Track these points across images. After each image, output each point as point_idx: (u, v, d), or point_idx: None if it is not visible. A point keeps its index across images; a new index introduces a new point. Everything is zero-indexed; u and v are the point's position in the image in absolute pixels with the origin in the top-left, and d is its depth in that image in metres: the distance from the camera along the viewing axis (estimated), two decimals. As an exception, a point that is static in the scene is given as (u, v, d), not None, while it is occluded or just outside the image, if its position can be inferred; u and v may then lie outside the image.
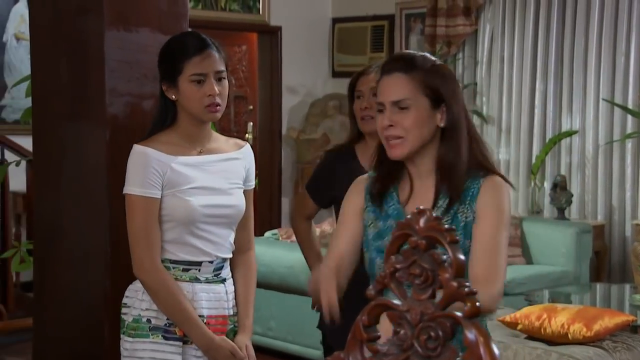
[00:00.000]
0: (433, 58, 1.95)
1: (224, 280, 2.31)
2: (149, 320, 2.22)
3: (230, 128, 6.71)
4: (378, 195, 1.97)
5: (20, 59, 6.10)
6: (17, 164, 4.28)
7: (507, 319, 3.39)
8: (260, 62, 6.77)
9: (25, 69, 5.78)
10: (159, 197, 2.21)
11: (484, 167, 1.93)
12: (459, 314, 1.19)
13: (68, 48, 2.71)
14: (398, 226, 1.32)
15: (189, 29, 2.60)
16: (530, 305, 3.63)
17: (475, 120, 6.02)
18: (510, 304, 3.71)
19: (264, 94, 6.81)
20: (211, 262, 2.27)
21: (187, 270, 2.26)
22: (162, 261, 2.24)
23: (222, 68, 2.27)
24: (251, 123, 6.81)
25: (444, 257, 1.24)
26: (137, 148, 2.22)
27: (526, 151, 5.88)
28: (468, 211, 1.89)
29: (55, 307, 2.73)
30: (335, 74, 6.82)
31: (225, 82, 2.29)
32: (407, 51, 2.03)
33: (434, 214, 1.66)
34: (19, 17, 6.08)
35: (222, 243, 2.29)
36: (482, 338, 1.13)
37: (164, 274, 2.21)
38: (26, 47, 5.98)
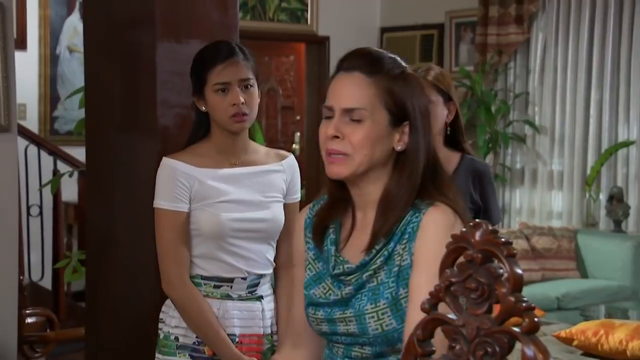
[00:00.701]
0: (405, 64, 1.60)
1: (260, 298, 2.22)
2: (176, 338, 2.19)
3: (278, 138, 6.73)
4: (317, 231, 1.61)
5: (72, 71, 6.21)
6: (71, 174, 4.35)
7: (563, 334, 3.31)
8: (308, 72, 6.78)
9: (78, 81, 5.89)
10: (187, 210, 2.15)
11: (432, 197, 1.54)
12: (516, 329, 1.17)
13: (121, 60, 2.74)
14: (453, 239, 1.29)
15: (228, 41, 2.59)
16: (586, 320, 3.56)
17: (527, 130, 5.93)
18: (565, 319, 3.64)
19: (312, 104, 6.82)
20: (244, 278, 2.19)
21: (219, 286, 2.18)
22: (193, 277, 2.18)
23: (248, 76, 2.19)
24: (298, 133, 6.82)
25: (501, 271, 1.21)
26: (165, 161, 2.18)
27: (580, 162, 5.77)
28: (405, 252, 1.51)
29: (107, 317, 2.75)
30: (384, 84, 6.80)
31: (253, 90, 2.20)
32: (376, 49, 1.61)
33: (366, 257, 1.54)
34: (72, 30, 6.20)
35: (257, 259, 2.20)
36: (542, 355, 1.10)
37: (192, 290, 2.16)
38: (78, 59, 6.09)
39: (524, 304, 1.16)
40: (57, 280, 4.99)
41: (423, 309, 1.31)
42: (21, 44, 5.68)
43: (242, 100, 2.14)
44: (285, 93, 6.90)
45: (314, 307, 1.60)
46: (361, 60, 1.55)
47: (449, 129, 2.54)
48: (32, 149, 5.15)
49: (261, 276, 2.22)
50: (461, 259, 1.27)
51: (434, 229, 1.49)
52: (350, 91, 1.53)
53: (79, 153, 4.73)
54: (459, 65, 6.18)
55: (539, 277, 5.04)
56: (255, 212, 2.18)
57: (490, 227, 1.25)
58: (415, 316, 1.44)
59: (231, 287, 2.18)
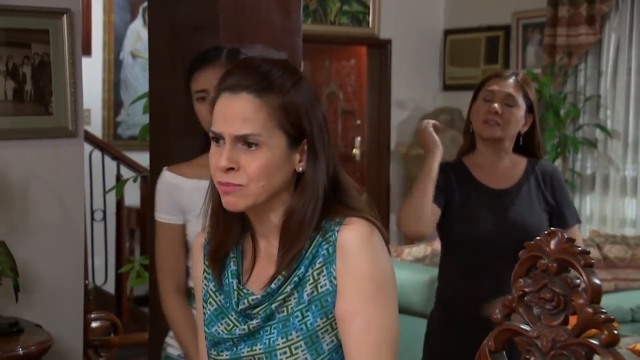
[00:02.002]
0: (292, 67, 1.42)
1: None
2: (164, 349, 2.20)
3: (338, 143, 6.71)
4: (214, 261, 1.44)
5: (135, 76, 6.31)
6: (135, 179, 4.40)
7: (638, 347, 3.21)
8: (369, 75, 6.75)
9: (140, 86, 5.99)
10: (178, 222, 2.13)
11: (339, 212, 1.39)
12: (594, 341, 1.12)
13: (184, 65, 2.75)
14: (527, 248, 1.24)
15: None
16: (663, 332, 3.43)
17: (599, 134, 5.77)
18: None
19: (373, 109, 6.78)
20: None
21: None
22: (192, 289, 2.09)
23: None
24: (359, 138, 6.79)
25: (577, 281, 1.16)
26: (162, 173, 2.18)
27: (656, 168, 5.58)
28: (320, 277, 1.36)
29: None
30: (446, 87, 6.71)
31: None
32: (261, 59, 1.42)
33: (273, 285, 1.37)
34: (136, 35, 6.30)
35: None
36: (622, 370, 1.05)
37: (176, 304, 2.12)
38: (141, 64, 6.18)
39: (602, 316, 1.12)
40: (120, 284, 5.06)
41: (495, 320, 1.27)
42: (86, 50, 5.79)
43: None
44: (346, 97, 6.88)
45: (216, 347, 1.42)
46: (248, 78, 1.35)
47: (521, 139, 2.47)
48: (96, 154, 5.24)
49: None
50: (535, 269, 1.23)
51: (354, 246, 1.35)
52: (239, 116, 1.33)
53: (141, 158, 4.80)
54: (525, 68, 6.05)
55: (611, 288, 4.89)
56: None
57: (565, 236, 1.21)
58: (353, 351, 1.34)
59: None
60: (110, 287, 5.33)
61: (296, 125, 1.36)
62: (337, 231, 1.36)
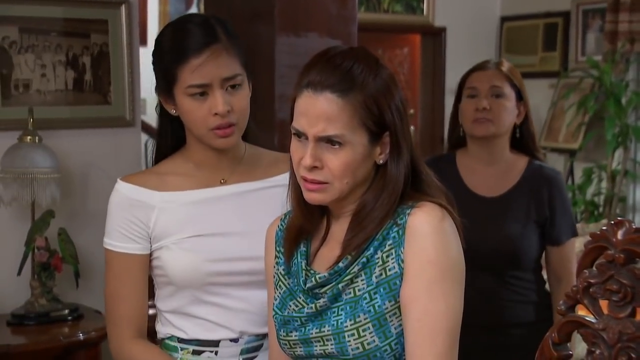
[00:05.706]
0: (372, 57, 1.37)
1: None
2: None
3: (392, 133, 6.68)
4: (290, 246, 1.45)
5: (191, 67, 6.37)
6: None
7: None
8: (423, 64, 6.70)
9: (197, 77, 6.03)
10: (142, 252, 1.61)
11: (413, 198, 1.38)
12: (663, 336, 1.09)
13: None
14: (592, 238, 1.22)
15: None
16: None
17: (661, 126, 5.63)
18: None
19: (426, 98, 6.74)
20: (235, 340, 1.61)
21: (199, 352, 1.61)
22: (169, 339, 1.66)
23: (236, 71, 1.57)
24: (412, 128, 6.75)
25: (646, 272, 1.14)
26: (117, 185, 1.65)
27: None
28: (389, 260, 1.34)
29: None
30: (502, 76, 6.63)
31: (242, 91, 1.59)
32: (337, 52, 1.36)
33: (341, 264, 1.36)
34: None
35: (255, 311, 1.61)
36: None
37: (140, 347, 1.63)
38: (197, 54, 6.24)
39: (673, 309, 1.09)
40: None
41: (559, 312, 1.25)
42: (142, 40, 5.85)
43: (228, 107, 1.55)
44: (399, 86, 6.84)
45: (285, 328, 1.42)
46: (330, 77, 1.32)
47: (517, 131, 2.32)
48: (152, 143, 5.30)
49: (263, 337, 1.63)
50: (601, 259, 1.21)
51: (423, 229, 1.32)
52: (323, 117, 1.32)
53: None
54: (585, 55, 5.93)
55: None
56: (246, 247, 1.59)
57: (634, 226, 1.17)
58: (411, 336, 1.31)
59: (216, 352, 1.61)
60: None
61: (378, 122, 1.35)
62: (408, 214, 1.35)
